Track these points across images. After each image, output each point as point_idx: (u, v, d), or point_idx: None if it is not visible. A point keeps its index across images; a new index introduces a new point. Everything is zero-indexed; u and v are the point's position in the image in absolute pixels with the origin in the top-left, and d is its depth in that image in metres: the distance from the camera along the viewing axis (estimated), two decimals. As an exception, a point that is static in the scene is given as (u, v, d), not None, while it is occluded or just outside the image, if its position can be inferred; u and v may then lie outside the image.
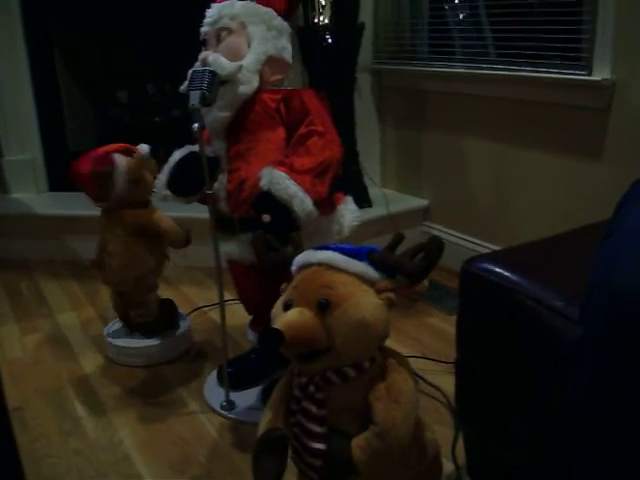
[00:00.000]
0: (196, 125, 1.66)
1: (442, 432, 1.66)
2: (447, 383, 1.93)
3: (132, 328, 2.27)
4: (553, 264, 1.37)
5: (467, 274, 1.38)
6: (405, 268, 1.15)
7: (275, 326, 1.10)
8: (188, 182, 1.80)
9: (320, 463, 1.17)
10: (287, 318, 1.12)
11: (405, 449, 1.16)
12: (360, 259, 1.17)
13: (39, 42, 3.32)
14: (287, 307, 1.15)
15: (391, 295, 1.15)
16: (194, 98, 1.62)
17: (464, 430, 1.60)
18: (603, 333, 0.99)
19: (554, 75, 2.33)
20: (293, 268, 1.22)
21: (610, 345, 0.97)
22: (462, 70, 2.75)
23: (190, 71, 1.70)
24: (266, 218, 1.56)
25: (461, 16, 2.82)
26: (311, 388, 1.18)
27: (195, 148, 1.77)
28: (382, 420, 1.13)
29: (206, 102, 1.64)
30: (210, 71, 1.65)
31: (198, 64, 1.72)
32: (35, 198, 3.39)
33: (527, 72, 2.44)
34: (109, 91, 3.67)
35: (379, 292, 1.15)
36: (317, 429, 1.17)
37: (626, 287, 0.95)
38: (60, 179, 3.45)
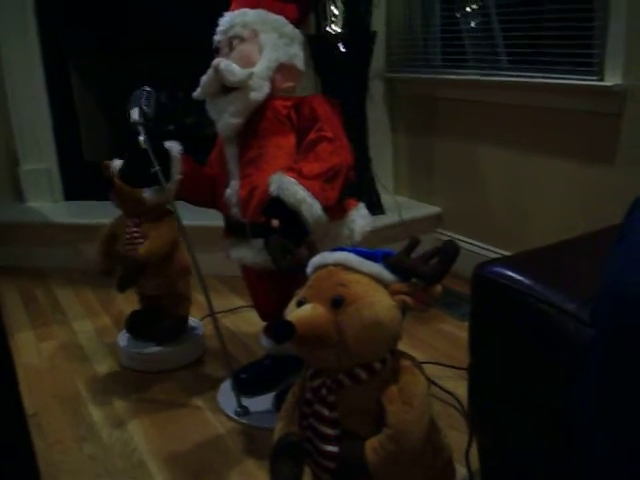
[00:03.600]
0: (142, 138, 1.81)
1: (456, 437, 1.66)
2: (460, 388, 1.92)
3: (147, 334, 2.28)
4: (565, 268, 1.37)
5: (479, 278, 1.38)
6: (420, 271, 1.15)
7: (287, 319, 1.11)
8: (134, 172, 1.88)
9: (333, 465, 1.18)
10: (300, 312, 1.13)
11: (418, 451, 1.16)
12: (375, 261, 1.18)
13: (54, 52, 3.36)
14: (300, 305, 1.16)
15: (405, 298, 1.15)
16: (134, 114, 1.81)
17: (477, 435, 1.60)
18: (613, 335, 0.99)
19: (566, 81, 2.34)
20: (308, 270, 1.23)
21: (620, 347, 0.97)
22: (474, 77, 2.76)
23: (204, 77, 1.77)
24: (275, 223, 1.57)
25: (473, 23, 2.83)
26: (323, 391, 1.19)
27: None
28: (395, 423, 1.14)
29: (146, 117, 1.81)
30: (147, 90, 1.84)
31: (210, 71, 1.74)
32: (51, 207, 3.42)
33: (539, 78, 2.44)
34: (122, 100, 3.69)
35: (393, 294, 1.15)
36: (329, 432, 1.18)
37: (637, 290, 0.95)
38: (75, 188, 3.49)
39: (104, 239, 2.22)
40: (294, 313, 1.13)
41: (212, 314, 1.91)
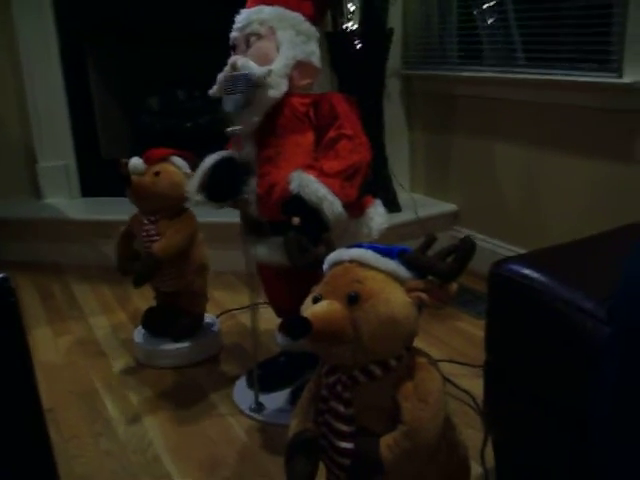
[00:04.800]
0: (236, 128, 1.68)
1: (471, 435, 1.65)
2: (476, 387, 1.91)
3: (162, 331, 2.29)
4: (582, 266, 1.36)
5: (496, 276, 1.38)
6: (437, 268, 1.15)
7: (303, 315, 1.11)
8: (225, 188, 1.81)
9: (348, 462, 1.18)
10: (315, 308, 1.13)
11: (433, 449, 1.16)
12: (391, 258, 1.18)
13: (72, 50, 3.38)
14: (316, 301, 1.16)
15: (421, 295, 1.15)
16: (230, 102, 1.66)
17: (493, 433, 1.60)
18: (630, 333, 0.98)
19: (583, 78, 2.32)
20: (325, 266, 1.23)
21: (637, 345, 0.97)
22: (491, 74, 2.75)
23: (221, 75, 1.73)
24: (296, 221, 1.57)
25: (490, 20, 2.82)
26: (338, 387, 1.19)
27: (225, 154, 1.80)
28: (410, 420, 1.13)
29: (242, 106, 1.67)
30: (245, 75, 1.67)
31: (227, 68, 1.73)
32: (68, 203, 3.44)
33: (556, 75, 2.43)
34: (140, 98, 3.71)
35: (409, 291, 1.15)
36: (345, 428, 1.18)
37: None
38: (93, 185, 3.51)
39: (122, 237, 2.23)
40: (310, 309, 1.13)
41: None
